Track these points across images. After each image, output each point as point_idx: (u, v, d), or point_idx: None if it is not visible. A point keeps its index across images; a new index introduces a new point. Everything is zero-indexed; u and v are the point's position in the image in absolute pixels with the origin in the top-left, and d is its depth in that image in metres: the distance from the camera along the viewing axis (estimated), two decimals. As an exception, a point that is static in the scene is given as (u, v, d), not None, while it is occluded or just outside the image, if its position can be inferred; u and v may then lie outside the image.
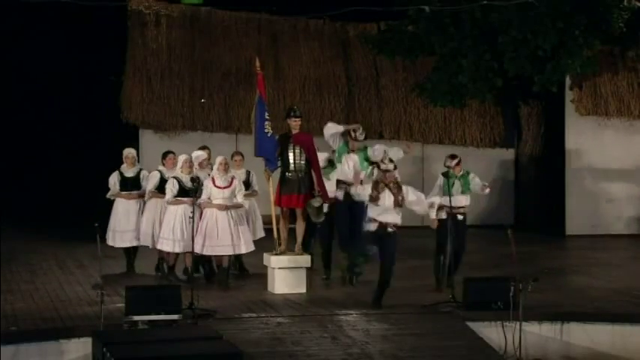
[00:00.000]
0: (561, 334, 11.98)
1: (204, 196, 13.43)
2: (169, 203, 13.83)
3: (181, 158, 14.07)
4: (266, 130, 13.76)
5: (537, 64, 18.30)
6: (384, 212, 12.30)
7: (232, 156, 14.83)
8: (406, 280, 13.74)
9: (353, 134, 14.06)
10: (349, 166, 14.01)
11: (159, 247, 14.05)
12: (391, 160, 12.52)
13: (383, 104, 20.69)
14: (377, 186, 12.39)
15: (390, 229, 12.35)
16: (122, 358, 9.56)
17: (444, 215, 13.04)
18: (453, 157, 13.56)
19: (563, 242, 18.98)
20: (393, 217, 12.34)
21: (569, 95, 19.45)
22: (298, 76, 20.58)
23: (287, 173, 13.65)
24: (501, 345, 11.66)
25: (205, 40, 20.62)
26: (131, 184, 14.91)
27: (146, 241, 14.57)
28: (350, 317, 12.15)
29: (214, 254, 13.67)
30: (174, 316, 11.57)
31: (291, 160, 13.69)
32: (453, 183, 13.34)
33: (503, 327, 11.67)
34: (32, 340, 11.22)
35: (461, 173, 13.50)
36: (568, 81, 19.25)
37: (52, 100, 21.76)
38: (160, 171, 14.59)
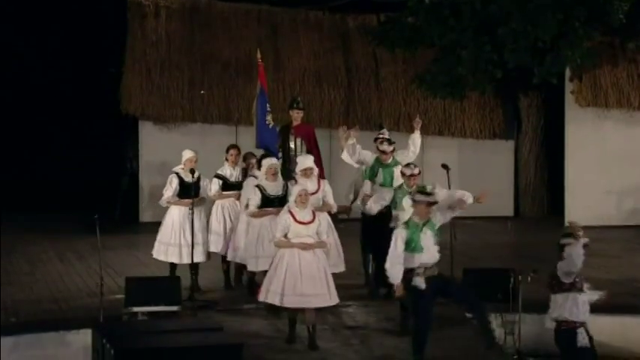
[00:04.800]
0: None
1: (278, 234, 11.15)
2: (252, 215, 12.39)
3: (266, 163, 12.55)
4: (267, 122, 13.76)
5: (537, 55, 18.29)
6: None
7: (245, 158, 13.66)
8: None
9: (380, 146, 13.14)
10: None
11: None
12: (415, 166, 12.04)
13: (382, 96, 20.67)
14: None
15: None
16: (122, 349, 9.56)
17: None
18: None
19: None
20: None
21: (568, 87, 19.44)
22: (298, 68, 20.56)
23: (288, 165, 13.67)
24: (500, 336, 11.67)
25: (205, 31, 20.59)
26: (191, 191, 13.07)
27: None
28: (350, 309, 12.16)
29: (298, 307, 11.10)
30: (174, 308, 11.58)
31: (293, 152, 13.71)
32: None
33: (502, 319, 11.68)
34: (32, 332, 11.25)
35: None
36: (568, 72, 19.22)
37: (51, 91, 21.73)
38: (219, 176, 13.45)
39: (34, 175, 21.44)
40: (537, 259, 14.97)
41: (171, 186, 13.23)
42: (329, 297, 10.99)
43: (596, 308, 12.19)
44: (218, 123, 20.01)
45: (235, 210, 13.31)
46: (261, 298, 11.09)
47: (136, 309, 11.48)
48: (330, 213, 12.29)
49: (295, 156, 13.61)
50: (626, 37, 19.07)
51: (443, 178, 13.41)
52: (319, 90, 20.47)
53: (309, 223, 11.06)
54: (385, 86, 20.73)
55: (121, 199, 20.40)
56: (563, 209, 19.44)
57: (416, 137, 13.59)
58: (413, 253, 10.36)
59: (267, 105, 13.84)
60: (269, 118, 13.78)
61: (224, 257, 13.41)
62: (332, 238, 12.11)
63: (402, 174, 12.21)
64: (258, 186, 12.34)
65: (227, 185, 13.43)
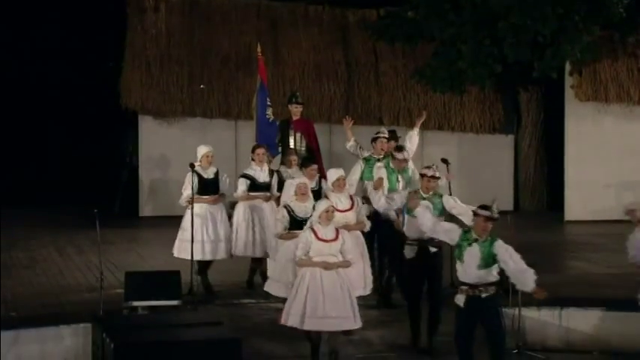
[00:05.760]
0: (560, 319, 11.99)
1: (299, 252, 10.40)
2: (279, 237, 11.51)
3: (294, 183, 11.66)
4: (267, 116, 13.76)
5: (537, 50, 18.27)
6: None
7: (284, 154, 13.42)
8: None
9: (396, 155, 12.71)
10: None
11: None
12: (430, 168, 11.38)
13: (382, 90, 20.66)
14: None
15: (433, 249, 11.16)
16: (121, 343, 9.57)
17: None
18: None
19: (562, 228, 18.99)
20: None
21: (568, 81, 19.43)
22: (297, 62, 20.55)
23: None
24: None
25: (205, 25, 20.57)
26: (210, 187, 13.06)
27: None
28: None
29: (320, 330, 10.44)
30: (174, 302, 11.58)
31: (292, 147, 13.70)
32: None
33: (502, 312, 11.67)
34: (32, 326, 11.24)
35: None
36: (568, 67, 19.21)
37: (51, 85, 21.72)
38: (246, 176, 13.09)
39: (33, 169, 21.43)
40: (537, 253, 15.00)
41: (189, 184, 12.94)
42: (353, 320, 10.33)
43: (595, 303, 12.23)
44: (218, 117, 20.01)
45: (262, 214, 12.90)
46: (283, 321, 10.38)
47: (135, 303, 11.47)
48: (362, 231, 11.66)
49: (295, 151, 13.58)
50: (626, 31, 19.06)
51: (442, 173, 13.44)
52: (319, 84, 20.46)
53: (332, 241, 10.33)
54: (385, 81, 20.72)
55: (120, 193, 20.41)
56: (563, 203, 19.45)
57: (413, 134, 13.55)
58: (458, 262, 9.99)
59: (268, 99, 13.84)
60: (269, 112, 13.78)
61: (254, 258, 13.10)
62: (358, 256, 11.35)
63: (422, 175, 11.37)
64: (286, 207, 11.45)
65: (255, 186, 13.02)
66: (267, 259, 12.81)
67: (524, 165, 20.72)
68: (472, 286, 9.83)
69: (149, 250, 15.79)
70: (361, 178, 13.05)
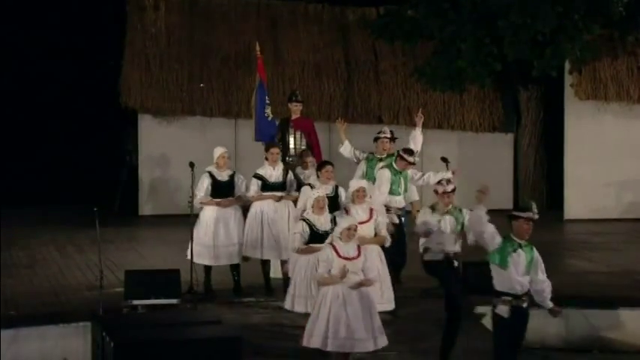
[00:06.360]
0: (560, 318, 11.98)
1: (321, 271, 10.01)
2: (298, 252, 11.16)
3: (313, 195, 11.31)
4: (266, 115, 13.76)
5: (537, 48, 18.27)
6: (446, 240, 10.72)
7: (301, 155, 13.17)
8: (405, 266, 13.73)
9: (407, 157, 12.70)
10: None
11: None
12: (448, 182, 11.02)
13: (382, 89, 20.66)
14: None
15: (455, 262, 10.91)
16: (121, 342, 9.57)
17: None
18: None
19: (562, 226, 18.99)
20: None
21: (568, 80, 19.43)
22: (297, 61, 20.54)
23: (287, 158, 13.67)
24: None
25: (204, 24, 20.57)
26: (224, 190, 12.85)
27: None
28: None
29: (344, 351, 10.01)
30: (174, 301, 11.58)
31: (292, 145, 13.70)
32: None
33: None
34: (32, 325, 11.25)
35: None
36: (567, 65, 19.21)
37: (51, 84, 21.71)
38: (258, 176, 12.81)
39: (33, 168, 21.43)
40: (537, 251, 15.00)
41: (203, 186, 12.75)
42: (378, 340, 9.97)
43: (595, 302, 12.24)
44: (217, 116, 20.00)
45: (273, 215, 12.68)
46: (305, 342, 9.99)
47: (135, 302, 11.49)
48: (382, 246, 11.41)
49: (295, 149, 13.58)
50: (626, 29, 19.06)
51: (442, 172, 13.46)
52: (318, 83, 20.46)
53: (354, 258, 9.93)
54: (385, 79, 20.71)
55: (120, 192, 20.41)
56: (563, 202, 19.46)
57: (417, 134, 13.45)
58: (497, 268, 9.50)
59: (267, 98, 13.84)
60: (268, 110, 13.78)
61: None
62: (381, 271, 11.17)
63: (435, 192, 10.97)
64: (305, 220, 11.07)
65: (266, 186, 12.78)
66: (272, 260, 12.79)
67: (523, 163, 20.72)
68: (516, 296, 9.40)
69: (149, 249, 15.80)
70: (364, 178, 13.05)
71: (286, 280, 12.14)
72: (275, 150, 12.84)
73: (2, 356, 10.77)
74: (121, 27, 20.23)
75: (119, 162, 20.79)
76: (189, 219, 12.84)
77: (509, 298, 9.40)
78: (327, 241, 10.34)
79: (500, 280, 9.43)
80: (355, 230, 10.02)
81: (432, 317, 11.57)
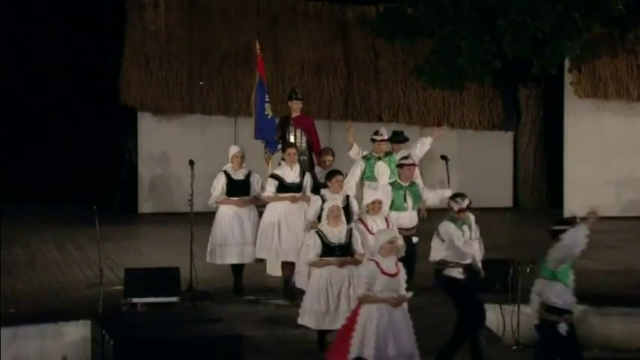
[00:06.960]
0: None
1: (363, 287, 9.46)
2: (312, 265, 10.71)
3: (326, 207, 10.86)
4: (266, 113, 13.75)
5: (536, 46, 18.26)
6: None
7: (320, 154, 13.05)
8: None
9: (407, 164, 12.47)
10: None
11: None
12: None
13: (382, 87, 20.66)
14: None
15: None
16: (121, 340, 9.57)
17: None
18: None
19: (562, 225, 18.94)
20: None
21: (568, 78, 19.43)
22: (297, 59, 20.54)
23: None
24: (499, 327, 11.68)
25: (204, 22, 20.56)
26: (240, 189, 12.74)
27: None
28: None
29: None
30: (173, 299, 11.59)
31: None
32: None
33: (501, 309, 11.70)
34: (31, 322, 11.26)
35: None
36: (567, 63, 19.21)
37: (51, 82, 21.71)
38: (275, 176, 12.63)
39: (33, 165, 21.43)
40: (536, 249, 15.01)
41: (218, 185, 12.67)
42: (416, 357, 9.56)
43: (594, 300, 12.24)
44: (217, 114, 20.01)
45: (289, 216, 12.45)
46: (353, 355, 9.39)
47: (135, 300, 11.49)
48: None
49: (295, 147, 13.56)
50: (626, 27, 19.05)
51: (442, 170, 13.47)
52: (318, 81, 20.46)
53: (396, 275, 9.42)
54: (384, 77, 20.72)
55: (120, 190, 20.41)
56: (562, 200, 19.45)
57: (426, 142, 13.49)
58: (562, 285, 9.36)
59: (266, 96, 13.83)
60: (268, 108, 13.76)
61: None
62: None
63: (451, 208, 10.64)
64: (318, 232, 10.59)
65: (283, 186, 12.56)
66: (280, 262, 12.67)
67: (523, 161, 20.72)
68: (569, 312, 9.28)
69: (148, 247, 15.81)
70: (362, 178, 13.03)
71: (287, 281, 12.23)
72: (292, 150, 12.70)
73: (2, 354, 10.77)
74: (121, 25, 20.23)
75: (119, 160, 20.79)
76: (188, 217, 12.85)
77: (568, 315, 9.31)
78: (368, 256, 9.86)
79: (561, 296, 9.27)
80: (396, 243, 9.55)
81: (431, 313, 11.58)
